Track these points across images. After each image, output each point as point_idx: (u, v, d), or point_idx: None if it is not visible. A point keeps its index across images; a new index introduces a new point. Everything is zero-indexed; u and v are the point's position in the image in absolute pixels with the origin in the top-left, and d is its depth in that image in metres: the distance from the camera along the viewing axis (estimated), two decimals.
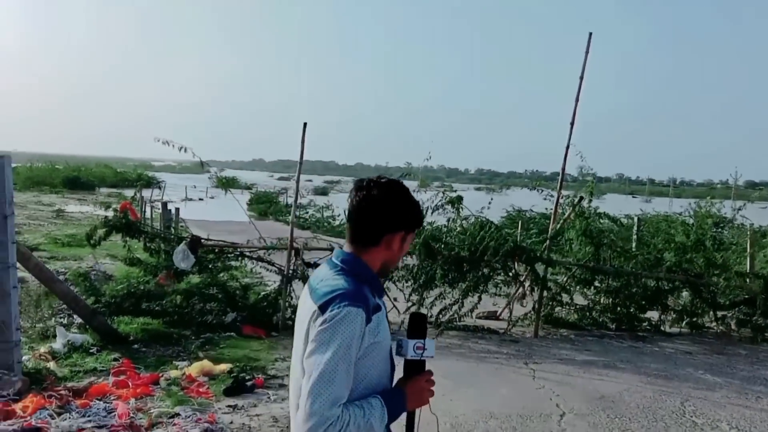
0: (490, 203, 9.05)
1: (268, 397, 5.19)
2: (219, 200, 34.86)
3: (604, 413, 5.27)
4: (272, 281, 8.15)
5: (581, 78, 8.03)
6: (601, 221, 10.34)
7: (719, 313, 8.86)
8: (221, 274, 7.95)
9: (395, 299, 8.18)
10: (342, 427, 1.54)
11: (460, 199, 8.55)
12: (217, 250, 8.02)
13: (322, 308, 1.63)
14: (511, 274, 8.37)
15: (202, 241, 7.82)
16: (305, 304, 1.75)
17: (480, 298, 8.04)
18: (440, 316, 7.91)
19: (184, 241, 7.58)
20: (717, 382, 6.41)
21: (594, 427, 4.95)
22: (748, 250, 9.55)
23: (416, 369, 1.84)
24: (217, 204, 32.87)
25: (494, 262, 7.94)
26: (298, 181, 7.96)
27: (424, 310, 8.00)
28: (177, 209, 17.06)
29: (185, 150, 7.20)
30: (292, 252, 7.66)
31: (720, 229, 11.25)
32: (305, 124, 7.65)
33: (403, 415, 1.81)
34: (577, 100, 8.06)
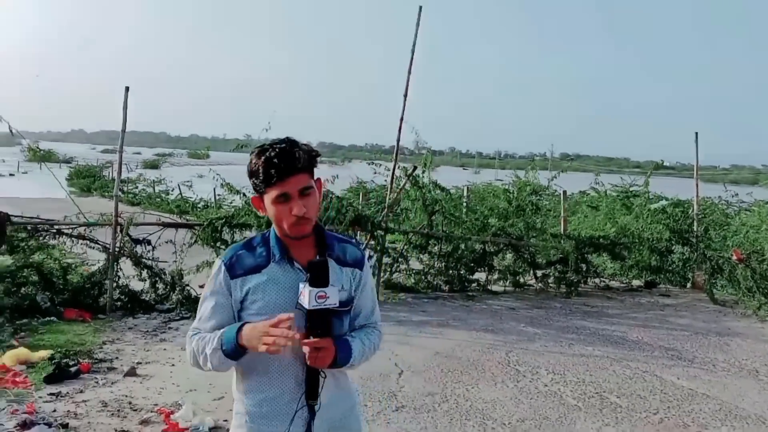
0: (336, 177, 9.10)
1: (96, 382, 4.82)
2: (33, 176, 31.39)
3: (438, 368, 5.58)
4: (99, 261, 7.54)
5: (413, 51, 8.28)
6: (436, 191, 10.87)
7: (538, 272, 9.83)
8: (36, 255, 7.17)
9: None
10: (190, 343, 1.88)
11: None
12: (30, 228, 7.20)
13: None
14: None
15: (12, 218, 6.98)
16: None
17: None
18: None
19: None
20: (537, 333, 7.08)
21: (429, 382, 5.23)
22: (562, 214, 10.62)
23: (320, 321, 1.73)
24: (31, 180, 29.57)
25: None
26: (121, 152, 7.37)
27: None
28: None
29: None
30: (117, 228, 7.12)
31: (539, 197, 12.30)
32: (127, 89, 7.11)
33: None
34: (409, 72, 8.31)
